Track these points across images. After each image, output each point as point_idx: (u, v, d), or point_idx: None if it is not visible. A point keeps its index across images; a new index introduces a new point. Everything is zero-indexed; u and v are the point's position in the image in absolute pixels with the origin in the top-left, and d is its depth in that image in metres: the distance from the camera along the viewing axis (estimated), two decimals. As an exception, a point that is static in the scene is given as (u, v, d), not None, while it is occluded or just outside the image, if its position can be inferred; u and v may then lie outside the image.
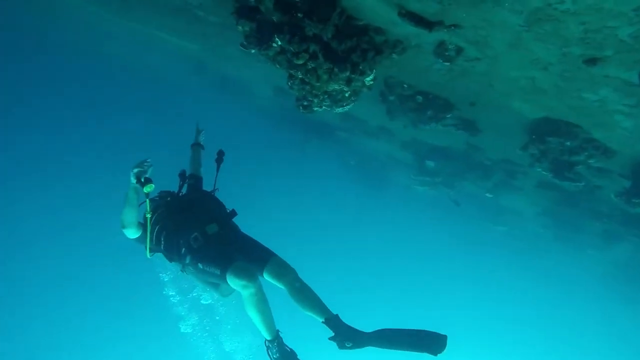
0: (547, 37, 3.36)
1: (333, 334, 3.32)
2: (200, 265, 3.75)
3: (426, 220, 20.68)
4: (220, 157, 4.64)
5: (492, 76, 4.96)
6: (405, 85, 6.66)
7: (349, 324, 3.34)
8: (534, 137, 6.42)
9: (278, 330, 3.55)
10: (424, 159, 12.67)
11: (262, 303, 3.46)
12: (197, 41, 8.71)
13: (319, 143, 15.55)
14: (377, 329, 3.31)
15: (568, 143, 5.63)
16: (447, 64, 4.85)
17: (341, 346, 3.28)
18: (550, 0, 2.79)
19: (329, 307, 3.44)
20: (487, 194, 12.70)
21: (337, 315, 3.39)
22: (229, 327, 14.76)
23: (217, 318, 14.43)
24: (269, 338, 3.49)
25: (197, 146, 4.85)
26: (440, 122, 7.30)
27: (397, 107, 8.29)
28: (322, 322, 3.40)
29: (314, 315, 3.45)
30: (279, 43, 4.74)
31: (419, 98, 6.85)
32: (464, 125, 7.59)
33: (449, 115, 7.12)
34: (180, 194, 4.42)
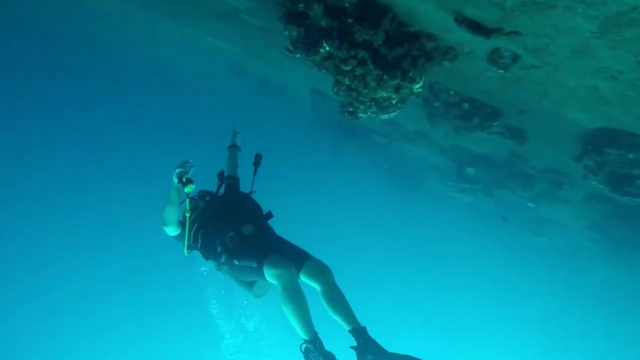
0: (623, 44, 3.13)
1: (356, 344, 3.23)
2: (236, 262, 3.78)
3: (461, 227, 20.15)
4: (257, 160, 4.70)
5: (549, 84, 4.71)
6: (451, 92, 6.47)
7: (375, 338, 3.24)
8: (589, 147, 6.08)
9: (317, 332, 3.38)
10: (464, 166, 12.34)
11: (299, 296, 3.37)
12: (239, 43, 8.81)
13: (354, 145, 15.43)
14: (404, 354, 3.15)
15: (631, 155, 5.28)
16: (501, 71, 4.64)
17: (361, 358, 3.18)
18: (637, 3, 2.57)
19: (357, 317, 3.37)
20: (529, 204, 12.21)
21: (364, 327, 3.30)
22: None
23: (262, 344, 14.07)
24: (306, 338, 3.30)
25: (233, 148, 4.95)
26: (487, 130, 7.05)
27: (440, 113, 8.08)
28: (349, 330, 3.31)
29: (341, 321, 3.38)
30: (327, 49, 4.68)
31: (465, 105, 6.63)
32: (511, 133, 7.31)
33: (495, 123, 6.86)
34: (219, 194, 4.51)
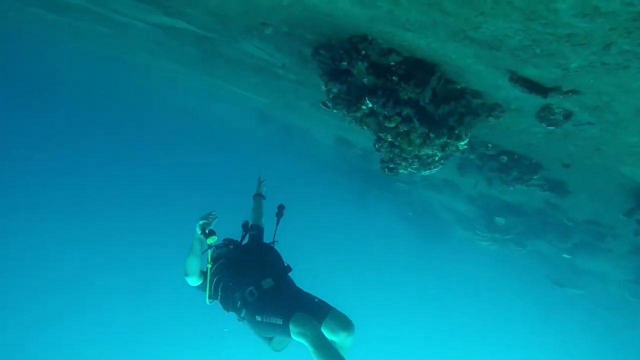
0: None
1: None
2: (258, 318, 3.74)
3: (489, 276, 19.35)
4: (280, 211, 4.69)
5: (603, 140, 4.49)
6: (489, 145, 6.28)
7: None
8: (642, 203, 5.74)
9: None
10: (493, 215, 11.95)
11: (331, 349, 3.30)
12: (270, 96, 8.91)
13: (378, 193, 15.22)
14: None
15: (693, 214, 4.93)
16: (551, 128, 4.45)
17: None
18: None
19: None
20: (565, 255, 11.64)
21: None
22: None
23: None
24: None
25: (258, 197, 4.95)
26: (526, 183, 6.78)
27: (473, 164, 7.88)
28: None
29: None
30: (369, 105, 4.60)
31: (504, 158, 6.43)
32: (551, 186, 7.02)
33: (535, 177, 6.59)
34: (242, 244, 4.51)
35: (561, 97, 3.64)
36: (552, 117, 4.32)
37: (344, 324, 3.62)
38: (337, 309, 3.78)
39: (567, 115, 4.19)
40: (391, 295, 24.70)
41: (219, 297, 4.05)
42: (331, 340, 3.55)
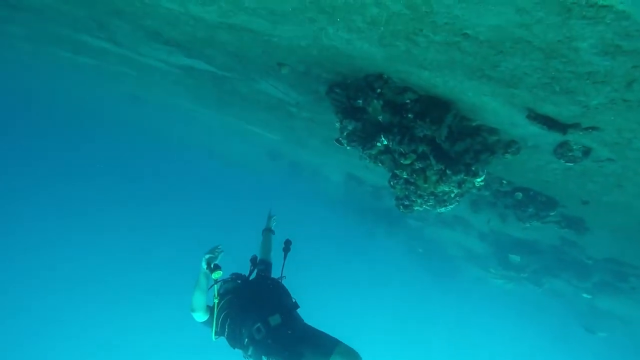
0: None
1: None
2: (264, 359, 3.72)
3: (503, 315, 18.69)
4: (287, 246, 4.69)
5: (624, 177, 4.41)
6: (504, 182, 6.22)
7: None
8: (666, 241, 5.56)
9: None
10: (506, 252, 11.69)
11: None
12: (281, 133, 9.02)
13: (388, 230, 15.05)
14: None
15: None
16: (570, 164, 4.40)
17: None
18: None
19: None
20: (585, 295, 11.26)
21: None
22: None
23: None
24: None
25: (268, 232, 4.95)
26: (542, 220, 6.65)
27: (487, 201, 7.79)
28: None
29: None
30: (385, 142, 4.61)
31: (519, 195, 6.34)
32: (569, 223, 6.88)
33: (552, 213, 6.47)
34: (250, 279, 4.48)
35: (581, 133, 3.61)
36: (570, 154, 4.27)
37: (352, 357, 3.60)
38: (344, 342, 3.75)
39: (586, 152, 4.14)
40: (402, 333, 23.91)
41: (226, 333, 3.98)
42: None
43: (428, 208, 5.10)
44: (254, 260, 4.61)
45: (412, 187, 4.71)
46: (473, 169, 4.35)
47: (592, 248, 8.35)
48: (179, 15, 4.34)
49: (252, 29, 4.05)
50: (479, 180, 4.57)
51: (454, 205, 5.12)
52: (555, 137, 3.97)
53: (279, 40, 4.15)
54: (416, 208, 5.08)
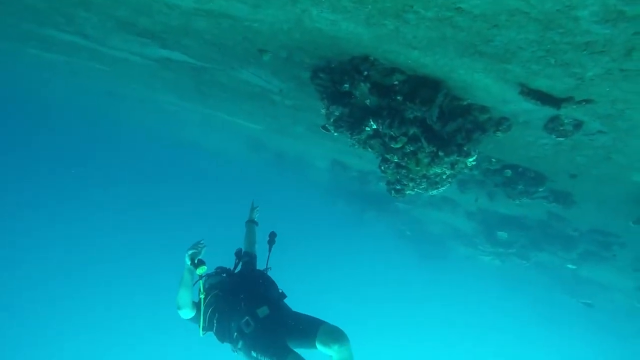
0: None
1: None
2: (253, 354, 3.72)
3: (492, 291, 19.11)
4: (272, 238, 4.69)
5: (614, 149, 4.42)
6: (493, 160, 6.20)
7: None
8: (653, 210, 5.65)
9: None
10: (494, 230, 11.83)
11: None
12: (264, 122, 8.81)
13: (375, 214, 15.06)
14: None
15: None
16: (561, 139, 4.37)
17: None
18: None
19: None
20: (570, 265, 11.52)
21: None
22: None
23: None
24: None
25: (251, 223, 4.94)
26: (532, 196, 6.68)
27: (475, 180, 7.80)
28: None
29: None
30: (374, 126, 4.49)
31: (508, 172, 6.33)
32: (557, 197, 6.93)
33: (541, 189, 6.50)
34: (235, 272, 4.49)
35: (574, 107, 3.56)
36: (561, 128, 4.24)
37: (336, 335, 3.62)
38: (330, 322, 3.78)
39: (578, 125, 4.11)
40: (393, 315, 24.27)
41: (214, 328, 3.98)
42: (329, 355, 3.57)
43: (420, 191, 5.03)
44: (238, 253, 4.62)
45: (403, 171, 4.62)
46: (465, 149, 4.28)
47: (578, 220, 8.49)
48: (151, 3, 4.09)
49: (231, 14, 3.84)
50: (471, 160, 4.51)
51: (446, 187, 5.06)
52: (547, 112, 3.92)
53: (259, 26, 3.95)
54: (408, 192, 5.01)
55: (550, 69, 3.07)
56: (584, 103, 3.50)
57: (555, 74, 3.12)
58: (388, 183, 5.05)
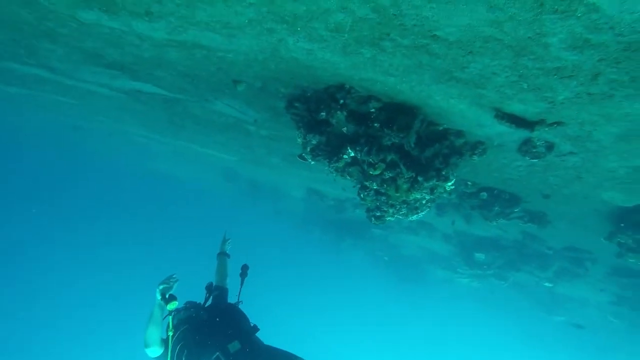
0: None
1: None
2: None
3: (470, 313, 19.13)
4: (244, 271, 4.60)
5: (584, 169, 4.55)
6: (469, 183, 6.29)
7: None
8: (622, 225, 5.82)
9: None
10: (471, 252, 11.94)
11: None
12: (238, 153, 8.69)
13: (353, 241, 14.97)
14: None
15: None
16: (535, 160, 4.47)
17: None
18: None
19: None
20: (546, 283, 11.70)
21: None
22: None
23: None
24: None
25: (223, 255, 4.80)
26: (508, 217, 6.78)
27: (452, 204, 7.88)
28: None
29: None
30: (351, 154, 4.47)
31: (484, 195, 6.43)
32: (532, 217, 7.06)
33: (516, 210, 6.62)
34: (206, 306, 4.33)
35: (546, 129, 3.66)
36: (534, 150, 4.34)
37: None
38: (303, 358, 3.69)
39: (550, 147, 4.22)
40: (374, 339, 23.83)
41: None
42: None
43: (400, 217, 5.00)
44: (209, 287, 4.47)
45: (383, 198, 4.59)
46: (444, 173, 4.31)
47: (552, 239, 8.67)
48: (121, 34, 4.00)
49: (205, 45, 3.80)
50: (449, 184, 4.54)
51: (425, 211, 5.06)
52: (521, 134, 4.02)
53: (234, 56, 3.92)
54: (388, 218, 4.97)
55: (524, 94, 3.15)
56: (555, 125, 3.60)
57: (528, 98, 3.20)
58: (368, 210, 5.00)
